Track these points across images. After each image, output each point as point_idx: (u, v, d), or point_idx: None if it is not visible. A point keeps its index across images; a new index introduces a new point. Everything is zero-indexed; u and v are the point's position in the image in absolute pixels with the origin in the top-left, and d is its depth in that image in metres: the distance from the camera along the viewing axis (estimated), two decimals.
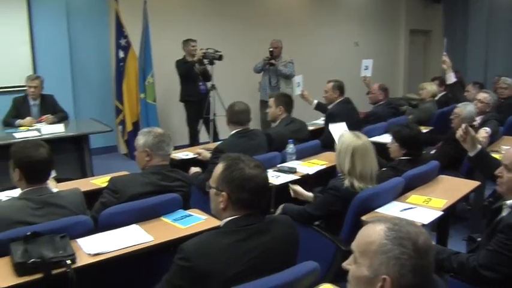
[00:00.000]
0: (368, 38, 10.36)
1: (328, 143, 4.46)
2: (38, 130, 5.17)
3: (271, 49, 7.06)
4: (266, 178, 2.09)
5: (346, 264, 1.51)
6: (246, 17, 8.25)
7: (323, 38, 9.47)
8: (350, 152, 3.05)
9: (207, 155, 4.23)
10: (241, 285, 1.84)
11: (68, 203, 2.69)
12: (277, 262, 2.01)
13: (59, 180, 3.04)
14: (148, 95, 6.93)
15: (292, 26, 8.81)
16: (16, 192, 2.80)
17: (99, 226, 2.68)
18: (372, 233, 1.44)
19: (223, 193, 2.00)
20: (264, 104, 6.75)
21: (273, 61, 7.05)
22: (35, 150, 2.62)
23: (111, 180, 3.00)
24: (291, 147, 4.23)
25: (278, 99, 4.85)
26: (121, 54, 7.07)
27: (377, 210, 3.02)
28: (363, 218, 2.85)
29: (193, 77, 6.80)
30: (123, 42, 7.03)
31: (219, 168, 2.06)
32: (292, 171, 3.90)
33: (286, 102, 4.84)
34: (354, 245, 1.49)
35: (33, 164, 2.61)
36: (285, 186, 3.65)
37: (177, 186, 3.06)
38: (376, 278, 1.40)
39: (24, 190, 2.64)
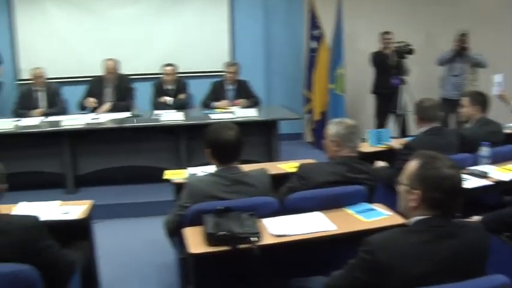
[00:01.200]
0: None
1: None
2: (233, 113, 5.48)
3: (461, 34, 6.53)
4: (461, 179, 1.96)
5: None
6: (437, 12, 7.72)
7: None
8: None
9: None
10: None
11: (256, 182, 2.81)
12: (464, 269, 1.87)
13: (246, 161, 3.18)
14: (337, 86, 6.94)
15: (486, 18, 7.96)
16: (211, 169, 3.00)
17: (285, 209, 2.75)
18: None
19: (416, 191, 1.91)
20: (446, 102, 6.36)
21: (466, 45, 6.54)
22: (225, 133, 2.75)
23: (299, 167, 3.06)
24: (485, 150, 3.91)
25: (474, 98, 4.50)
26: (313, 44, 7.18)
27: None
28: None
29: (387, 69, 6.67)
30: (316, 32, 7.13)
31: (413, 165, 1.97)
32: (483, 175, 3.62)
33: (483, 101, 4.47)
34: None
35: (222, 145, 2.75)
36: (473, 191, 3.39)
37: (363, 179, 3.01)
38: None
39: (218, 168, 2.81)
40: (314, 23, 7.13)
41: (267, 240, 2.44)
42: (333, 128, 3.07)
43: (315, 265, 2.66)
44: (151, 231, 4.26)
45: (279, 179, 3.20)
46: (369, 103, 7.08)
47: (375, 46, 6.82)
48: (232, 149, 2.78)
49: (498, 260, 2.24)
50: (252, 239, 2.37)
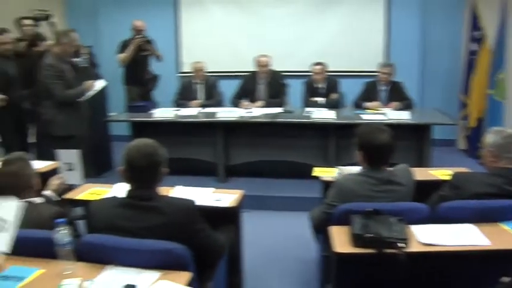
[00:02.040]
0: None
1: None
2: (384, 114, 5.38)
3: None
4: None
5: None
6: None
7: None
8: None
9: None
10: None
11: (404, 181, 2.77)
12: None
13: (392, 164, 3.11)
14: (497, 91, 6.50)
15: None
16: (359, 168, 2.98)
17: (435, 217, 2.66)
18: None
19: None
20: None
21: None
22: (379, 136, 2.72)
23: (454, 175, 2.93)
24: None
25: None
26: (473, 46, 6.79)
27: None
28: None
29: None
30: (476, 34, 6.73)
31: None
32: None
33: None
34: None
35: (375, 149, 2.72)
36: None
37: None
38: None
39: (365, 170, 2.79)
40: (475, 24, 6.74)
41: (414, 247, 2.38)
42: (491, 137, 2.90)
43: (460, 280, 2.53)
44: (296, 225, 4.35)
45: (430, 186, 3.09)
46: None
47: None
48: (385, 152, 2.74)
49: None
50: (399, 244, 2.33)
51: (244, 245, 3.42)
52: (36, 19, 5.88)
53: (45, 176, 3.20)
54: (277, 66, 6.36)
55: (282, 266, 3.91)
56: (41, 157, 4.25)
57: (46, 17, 5.83)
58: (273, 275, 3.77)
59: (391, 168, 2.82)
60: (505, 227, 2.66)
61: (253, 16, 7.49)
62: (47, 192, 2.97)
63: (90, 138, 5.54)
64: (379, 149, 2.72)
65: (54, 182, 3.10)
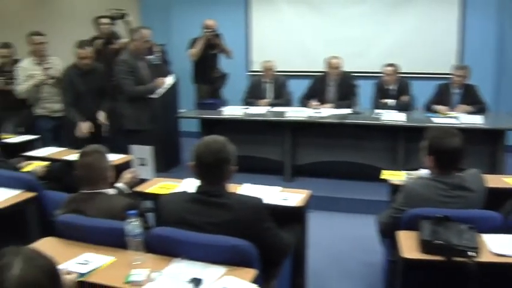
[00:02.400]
0: None
1: None
2: (456, 118, 5.22)
3: None
4: None
5: None
6: None
7: None
8: None
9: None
10: None
11: (475, 187, 2.68)
12: None
13: (462, 170, 3.01)
14: None
15: None
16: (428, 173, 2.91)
17: (509, 227, 2.56)
18: None
19: None
20: None
21: None
22: (450, 140, 2.64)
23: None
24: None
25: None
26: None
27: None
28: None
29: None
30: None
31: None
32: None
33: None
34: None
35: (446, 153, 2.64)
36: None
37: None
38: None
39: (435, 174, 2.72)
40: None
41: (485, 257, 2.30)
42: None
43: None
44: (361, 228, 4.31)
45: (503, 194, 2.98)
46: None
47: None
48: (455, 157, 2.66)
49: None
50: (469, 253, 2.26)
51: (310, 244, 3.42)
52: (113, 18, 6.09)
53: (118, 168, 3.32)
54: (347, 66, 6.29)
55: (346, 269, 3.88)
56: (114, 151, 4.41)
57: (122, 16, 6.04)
58: (337, 277, 3.75)
59: (461, 174, 2.73)
60: None
61: (324, 16, 7.45)
62: (120, 185, 3.08)
63: (161, 134, 5.69)
64: (449, 153, 2.65)
65: (127, 175, 3.21)
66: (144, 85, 5.34)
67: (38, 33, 5.45)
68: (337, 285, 3.65)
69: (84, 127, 5.15)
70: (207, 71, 6.74)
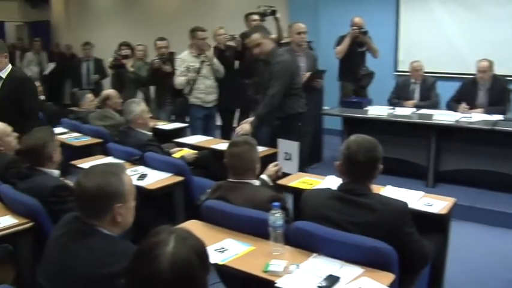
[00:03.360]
0: None
1: None
2: None
3: None
4: None
5: None
6: None
7: None
8: None
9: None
10: None
11: None
12: None
13: None
14: None
15: None
16: None
17: None
18: None
19: None
20: None
21: None
22: None
23: None
24: None
25: None
26: None
27: None
28: None
29: None
30: None
31: None
32: None
33: None
34: None
35: None
36: None
37: None
38: None
39: None
40: None
41: None
42: None
43: None
44: (505, 243, 4.04)
45: None
46: None
47: None
48: None
49: None
50: None
51: (449, 255, 3.27)
52: (263, 14, 6.25)
53: (263, 160, 3.42)
54: (501, 70, 5.90)
55: (483, 284, 3.66)
56: None
57: (272, 12, 6.17)
58: None
59: None
60: None
61: (477, 15, 6.98)
62: (263, 176, 3.17)
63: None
64: None
65: (272, 168, 3.29)
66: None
67: (202, 29, 5.86)
68: None
69: None
70: (353, 69, 6.68)
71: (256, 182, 2.89)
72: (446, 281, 3.30)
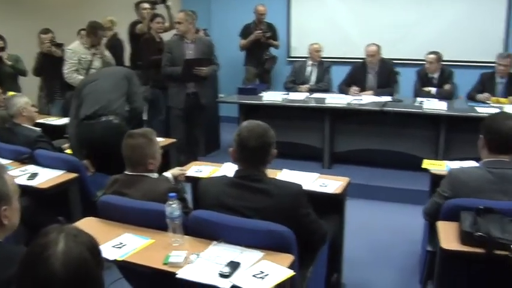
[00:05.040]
0: None
1: None
2: (503, 108, 5.07)
3: None
4: None
5: None
6: None
7: None
8: None
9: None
10: None
11: None
12: None
13: None
14: None
15: None
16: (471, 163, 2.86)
17: None
18: None
19: None
20: None
21: None
22: (504, 122, 2.59)
23: None
24: None
25: None
26: None
27: None
28: None
29: None
30: None
31: None
32: None
33: None
34: None
35: (498, 135, 2.58)
36: None
37: None
38: None
39: (485, 160, 2.64)
40: None
41: None
42: None
43: None
44: (400, 217, 4.27)
45: None
46: None
47: None
48: (507, 140, 2.58)
49: None
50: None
51: (347, 232, 3.40)
52: (154, 2, 6.14)
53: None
54: (389, 53, 6.20)
55: (383, 258, 3.85)
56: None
57: (163, 1, 6.08)
58: (373, 266, 3.73)
59: None
60: None
61: (366, 1, 7.31)
62: (167, 174, 3.11)
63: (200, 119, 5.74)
64: (501, 136, 2.57)
65: (177, 171, 3.23)
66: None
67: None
68: (374, 274, 3.63)
69: None
70: (257, 53, 6.80)
71: (155, 175, 2.83)
72: (347, 258, 3.42)
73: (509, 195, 2.52)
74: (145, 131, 2.90)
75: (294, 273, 2.09)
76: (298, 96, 5.79)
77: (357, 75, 6.09)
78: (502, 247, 2.21)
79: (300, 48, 6.81)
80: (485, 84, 5.75)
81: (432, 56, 5.89)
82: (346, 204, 3.22)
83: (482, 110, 4.99)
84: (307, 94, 5.95)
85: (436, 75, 5.95)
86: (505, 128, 2.57)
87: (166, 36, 6.13)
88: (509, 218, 2.34)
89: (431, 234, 2.68)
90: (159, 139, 3.30)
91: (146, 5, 6.17)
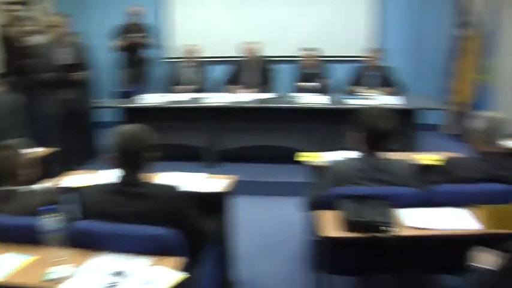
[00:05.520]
0: None
1: None
2: (373, 99, 5.38)
3: None
4: None
5: None
6: None
7: None
8: None
9: None
10: None
11: (398, 171, 2.76)
12: None
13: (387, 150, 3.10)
14: (485, 76, 6.53)
15: None
16: (349, 154, 2.99)
17: (426, 202, 2.67)
18: None
19: None
20: None
21: None
22: (383, 120, 2.72)
23: (446, 160, 2.96)
24: None
25: None
26: (458, 31, 6.81)
27: None
28: None
29: None
30: (462, 19, 6.77)
31: None
32: None
33: None
34: None
35: (378, 132, 2.72)
36: None
37: (508, 178, 2.80)
38: None
39: (362, 154, 2.78)
40: (463, 9, 6.76)
41: (403, 231, 2.39)
42: (478, 122, 2.90)
43: (451, 263, 2.54)
44: (286, 210, 4.37)
45: (419, 170, 3.10)
46: None
47: None
48: (386, 137, 2.74)
49: None
50: (387, 228, 2.34)
51: (239, 230, 3.43)
52: (22, 3, 5.81)
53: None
54: (267, 51, 6.33)
55: (275, 251, 3.93)
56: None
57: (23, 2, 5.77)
58: (265, 260, 3.79)
59: (389, 159, 2.81)
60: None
61: (242, 1, 7.41)
62: (45, 184, 2.94)
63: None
64: (382, 133, 2.72)
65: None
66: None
67: None
68: (267, 267, 3.69)
69: None
70: (132, 55, 6.64)
71: (30, 187, 2.66)
72: (239, 255, 3.46)
73: (381, 182, 2.68)
74: (11, 143, 2.71)
75: (185, 276, 2.06)
76: (180, 97, 5.74)
77: (238, 73, 6.16)
78: (379, 230, 2.34)
79: (176, 49, 6.74)
80: (359, 77, 6.07)
81: (309, 52, 6.12)
82: (232, 202, 3.23)
83: (357, 102, 5.25)
84: (190, 95, 5.91)
85: (313, 70, 6.18)
86: (384, 127, 2.72)
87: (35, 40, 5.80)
88: (384, 201, 2.48)
89: (316, 223, 2.76)
90: (36, 149, 3.12)
91: (10, 7, 5.79)
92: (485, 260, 1.98)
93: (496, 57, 6.43)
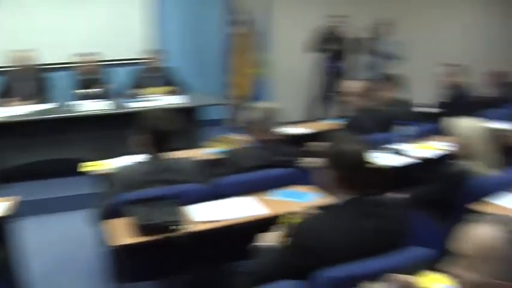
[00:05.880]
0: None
1: None
2: (155, 100, 5.42)
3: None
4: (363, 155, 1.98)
5: (458, 270, 1.39)
6: None
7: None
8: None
9: None
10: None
11: (185, 169, 2.84)
12: (386, 245, 1.93)
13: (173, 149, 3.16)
14: (261, 70, 7.00)
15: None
16: (134, 158, 2.96)
17: (213, 195, 2.77)
18: (490, 237, 1.34)
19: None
20: None
21: None
22: (166, 120, 2.78)
23: (227, 152, 3.13)
24: (402, 129, 4.04)
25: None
26: (233, 29, 7.17)
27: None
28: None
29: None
30: (235, 17, 7.15)
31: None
32: (401, 153, 3.74)
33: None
34: (465, 248, 1.37)
35: (163, 133, 2.75)
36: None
37: (288, 161, 3.06)
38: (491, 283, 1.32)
39: (148, 156, 2.78)
40: (235, 8, 7.14)
41: (194, 227, 2.46)
42: (253, 113, 3.11)
43: (245, 248, 2.67)
44: (76, 224, 4.20)
45: (204, 165, 3.21)
46: (296, 87, 7.26)
47: (308, 30, 6.90)
48: (171, 136, 2.78)
49: (421, 234, 2.33)
50: (177, 227, 2.40)
51: (28, 255, 3.21)
52: None
53: None
54: (42, 58, 5.96)
55: (71, 269, 3.73)
56: None
57: None
58: (63, 279, 3.59)
59: (175, 158, 2.85)
60: (277, 194, 2.89)
61: (13, 7, 6.77)
62: None
63: None
64: (166, 133, 2.75)
65: None
66: None
67: None
68: (66, 286, 3.53)
69: None
70: None
71: None
72: (35, 281, 3.27)
73: (169, 182, 2.73)
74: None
75: None
76: None
77: (10, 86, 5.70)
78: (169, 229, 2.39)
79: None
80: (140, 79, 6.06)
81: (86, 57, 5.97)
82: (18, 226, 3.00)
83: (139, 105, 5.24)
84: None
85: (93, 76, 6.01)
86: (168, 127, 2.76)
87: None
88: (172, 200, 2.54)
89: (108, 233, 2.69)
90: None
91: None
92: (268, 238, 2.12)
93: (269, 52, 6.93)
